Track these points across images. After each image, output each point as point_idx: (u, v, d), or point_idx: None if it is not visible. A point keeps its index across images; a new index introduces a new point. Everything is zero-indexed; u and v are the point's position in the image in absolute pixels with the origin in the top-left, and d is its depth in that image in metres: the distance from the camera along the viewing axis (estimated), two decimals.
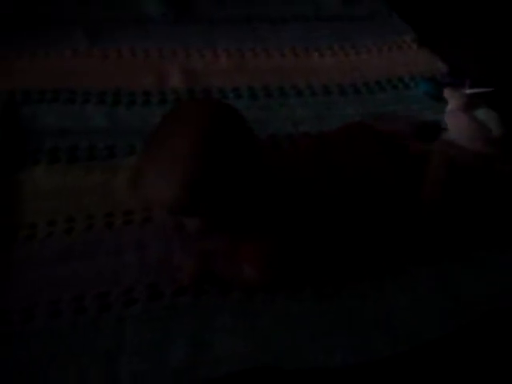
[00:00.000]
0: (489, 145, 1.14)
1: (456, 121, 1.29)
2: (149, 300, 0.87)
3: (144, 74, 1.37)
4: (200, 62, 1.46)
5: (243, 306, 0.88)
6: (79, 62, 1.40)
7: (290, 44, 1.58)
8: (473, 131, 1.23)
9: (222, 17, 1.69)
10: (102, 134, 1.16)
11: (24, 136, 1.13)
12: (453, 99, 1.35)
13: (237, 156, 0.80)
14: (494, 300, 0.94)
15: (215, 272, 0.89)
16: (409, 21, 1.80)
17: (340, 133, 1.06)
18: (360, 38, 1.67)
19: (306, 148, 1.04)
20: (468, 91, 1.35)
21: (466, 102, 1.33)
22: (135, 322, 0.84)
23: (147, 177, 0.79)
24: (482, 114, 1.33)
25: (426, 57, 1.62)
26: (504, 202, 1.10)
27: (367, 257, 0.98)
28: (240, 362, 0.80)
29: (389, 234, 1.00)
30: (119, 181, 1.05)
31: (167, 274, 0.90)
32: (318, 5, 1.83)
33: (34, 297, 0.85)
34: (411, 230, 1.01)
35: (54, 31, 1.49)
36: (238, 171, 0.80)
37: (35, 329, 0.81)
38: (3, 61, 1.34)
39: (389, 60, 1.59)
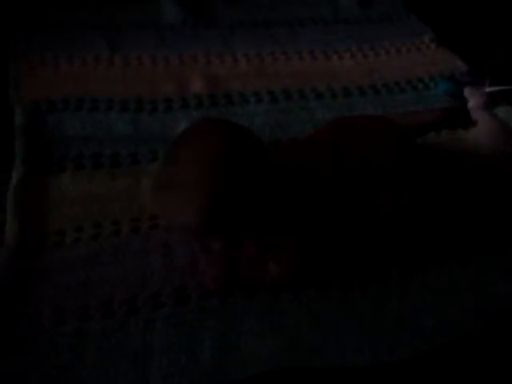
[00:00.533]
0: (509, 142, 1.14)
1: (476, 119, 1.29)
2: (176, 304, 0.88)
3: (165, 82, 1.38)
4: (220, 67, 1.46)
5: (269, 307, 0.88)
6: (101, 69, 1.41)
7: (309, 47, 1.59)
8: (493, 129, 1.23)
9: (241, 22, 1.69)
10: (125, 141, 1.18)
11: (50, 144, 1.15)
12: (473, 98, 1.35)
13: (252, 176, 0.80)
14: None
15: (240, 277, 0.90)
16: (428, 20, 1.80)
17: (359, 127, 1.06)
18: (378, 39, 1.67)
19: (322, 146, 1.03)
20: (488, 89, 1.35)
21: (486, 100, 1.33)
22: (163, 325, 0.85)
23: (168, 203, 0.80)
24: (502, 111, 1.33)
25: (445, 56, 1.62)
26: None
27: (392, 255, 0.98)
28: (267, 364, 0.81)
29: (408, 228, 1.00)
30: (143, 186, 1.07)
31: (194, 277, 0.91)
32: (335, 7, 1.83)
33: (63, 302, 0.87)
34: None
35: (75, 39, 1.50)
36: (255, 190, 0.81)
37: (64, 333, 0.83)
38: (28, 70, 1.35)
39: (408, 61, 1.59)
